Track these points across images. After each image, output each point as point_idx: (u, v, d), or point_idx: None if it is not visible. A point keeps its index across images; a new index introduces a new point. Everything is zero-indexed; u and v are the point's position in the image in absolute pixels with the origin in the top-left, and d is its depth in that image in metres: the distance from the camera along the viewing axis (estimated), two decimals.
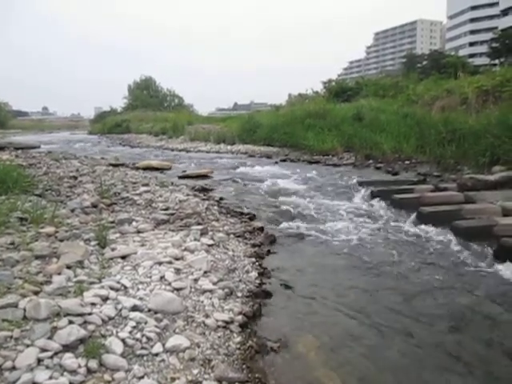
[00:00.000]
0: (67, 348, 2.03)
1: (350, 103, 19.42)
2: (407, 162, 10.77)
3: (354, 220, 5.44)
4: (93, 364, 1.97)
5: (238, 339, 2.48)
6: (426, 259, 4.09)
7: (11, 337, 2.04)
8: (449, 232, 4.73)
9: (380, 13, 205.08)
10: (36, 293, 2.50)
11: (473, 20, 70.02)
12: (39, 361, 1.92)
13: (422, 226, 5.07)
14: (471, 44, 67.96)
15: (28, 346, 2.00)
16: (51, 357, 1.96)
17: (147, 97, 52.17)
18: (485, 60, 42.35)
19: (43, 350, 1.98)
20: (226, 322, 2.60)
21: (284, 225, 5.19)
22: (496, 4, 58.15)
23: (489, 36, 44.37)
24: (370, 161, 11.46)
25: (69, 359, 1.96)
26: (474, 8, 70.11)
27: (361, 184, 7.47)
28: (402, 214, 5.64)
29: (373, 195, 6.59)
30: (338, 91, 24.94)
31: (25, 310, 2.25)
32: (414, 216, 5.40)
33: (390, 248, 4.39)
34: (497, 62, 33.91)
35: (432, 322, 2.88)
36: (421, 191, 6.46)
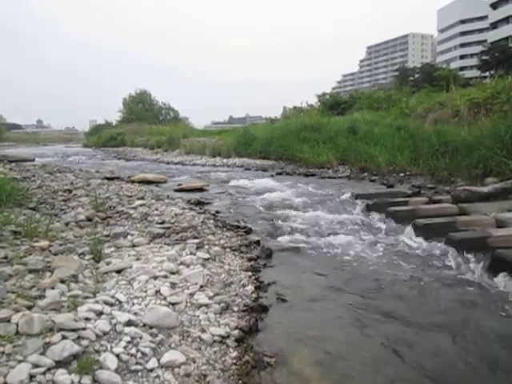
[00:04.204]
0: (60, 364, 1.99)
1: (344, 116, 19.59)
2: (402, 175, 10.85)
3: (349, 233, 5.43)
4: (86, 380, 1.93)
5: (234, 354, 2.46)
6: (422, 272, 4.08)
7: (3, 352, 2.00)
8: (444, 244, 4.74)
9: (371, 27, 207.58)
10: (29, 307, 2.46)
11: (463, 33, 71.45)
12: (31, 377, 1.88)
13: (417, 239, 5.07)
14: (462, 57, 69.24)
15: (20, 361, 1.96)
16: (44, 373, 1.92)
17: (142, 110, 52.40)
18: (475, 72, 43.07)
19: (36, 365, 1.94)
20: (222, 337, 2.57)
21: (280, 238, 5.18)
22: (485, 17, 59.27)
23: (479, 49, 45.21)
24: (365, 173, 11.54)
25: (62, 375, 1.92)
26: (463, 22, 71.58)
27: (356, 197, 7.48)
28: (397, 227, 5.65)
29: (368, 208, 6.60)
30: (333, 104, 25.20)
31: (17, 324, 2.21)
32: (409, 228, 5.41)
33: (385, 261, 4.38)
34: (487, 74, 34.46)
35: (430, 333, 2.87)
36: (415, 203, 6.49)
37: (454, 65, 54.90)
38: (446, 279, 3.89)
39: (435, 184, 8.99)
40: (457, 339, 2.81)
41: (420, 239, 5.03)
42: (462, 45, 70.41)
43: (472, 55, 58.56)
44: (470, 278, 3.91)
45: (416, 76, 34.70)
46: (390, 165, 11.63)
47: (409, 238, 5.16)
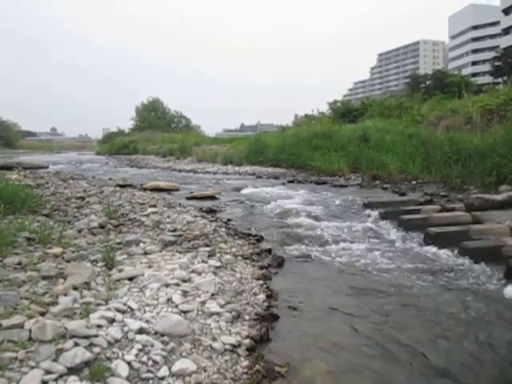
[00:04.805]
0: (72, 371, 2.00)
1: (355, 124, 19.56)
2: (414, 182, 10.78)
3: (361, 241, 5.39)
4: None
5: (246, 363, 2.44)
6: (435, 281, 4.02)
7: (16, 358, 2.02)
8: (457, 253, 4.69)
9: (382, 34, 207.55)
10: (42, 314, 2.49)
11: (474, 39, 70.98)
12: (44, 383, 1.90)
13: (430, 247, 5.02)
14: (474, 63, 68.71)
15: (33, 367, 1.97)
16: (56, 379, 1.93)
17: (155, 118, 52.87)
18: (488, 79, 42.70)
19: (48, 372, 1.95)
20: (234, 346, 2.56)
21: (292, 246, 5.16)
22: (497, 23, 58.83)
23: (491, 55, 44.86)
24: (377, 181, 11.49)
25: (74, 382, 1.93)
26: (475, 27, 71.11)
27: (368, 205, 7.45)
28: (409, 235, 5.60)
29: (380, 216, 6.57)
30: (344, 112, 25.19)
31: (30, 331, 2.23)
32: (421, 237, 5.37)
33: (397, 270, 4.33)
34: (500, 80, 34.14)
35: (443, 343, 2.83)
36: (428, 212, 6.43)
37: (465, 71, 54.51)
38: (459, 289, 3.83)
39: (448, 192, 8.91)
40: (471, 350, 2.76)
41: (433, 248, 4.98)
42: (474, 51, 69.97)
43: (484, 61, 58.14)
44: (484, 288, 3.85)
45: (427, 83, 34.49)
46: (402, 173, 11.57)
47: (421, 247, 5.12)
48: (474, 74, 55.91)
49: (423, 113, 17.33)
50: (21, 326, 2.27)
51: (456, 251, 4.71)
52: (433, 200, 7.70)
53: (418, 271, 4.30)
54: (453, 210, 6.44)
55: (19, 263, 3.34)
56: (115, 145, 42.49)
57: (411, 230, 5.74)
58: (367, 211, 7.09)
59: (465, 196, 7.77)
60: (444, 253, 4.79)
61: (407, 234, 5.68)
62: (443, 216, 6.13)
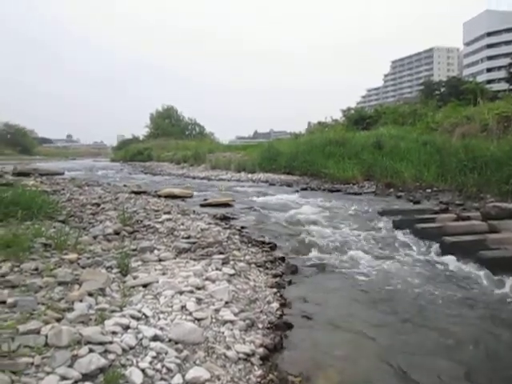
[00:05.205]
0: (87, 377, 2.01)
1: (369, 131, 19.48)
2: (428, 191, 10.67)
3: (376, 250, 5.35)
4: None
5: (259, 372, 2.43)
6: (452, 292, 3.95)
7: (32, 363, 2.04)
8: (474, 263, 4.61)
9: (395, 41, 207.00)
10: (58, 320, 2.51)
11: (490, 46, 70.39)
12: None
13: (446, 257, 4.95)
14: (489, 70, 68.07)
15: (48, 373, 1.99)
16: None
17: (169, 125, 53.30)
18: (503, 85, 42.20)
19: (63, 378, 1.97)
20: (247, 355, 2.55)
21: (305, 255, 5.13)
22: None
23: (506, 61, 44.32)
24: (391, 189, 11.40)
25: None
26: (490, 34, 70.54)
27: (382, 213, 7.39)
28: (424, 244, 5.53)
29: (394, 225, 6.50)
30: (357, 119, 25.12)
31: (46, 336, 2.25)
32: (436, 246, 5.30)
33: (413, 280, 4.27)
34: None
35: (461, 355, 2.78)
36: (443, 220, 6.34)
37: (480, 78, 54.07)
38: (477, 300, 3.77)
39: (463, 200, 8.80)
40: (493, 364, 2.71)
41: (449, 257, 4.91)
42: (489, 57, 69.33)
43: (500, 68, 57.43)
44: (503, 299, 3.78)
45: (442, 90, 34.18)
46: (417, 180, 11.47)
47: (437, 256, 5.05)
48: (489, 81, 55.35)
49: (438, 120, 17.20)
50: (37, 332, 2.29)
51: (473, 261, 4.63)
52: (448, 208, 7.60)
53: (434, 281, 4.24)
54: (469, 218, 6.35)
55: (36, 269, 3.38)
56: (130, 152, 42.92)
57: (426, 238, 5.66)
58: (381, 219, 7.04)
59: (481, 204, 7.66)
60: (461, 263, 4.72)
61: (422, 242, 5.62)
62: (459, 225, 6.05)
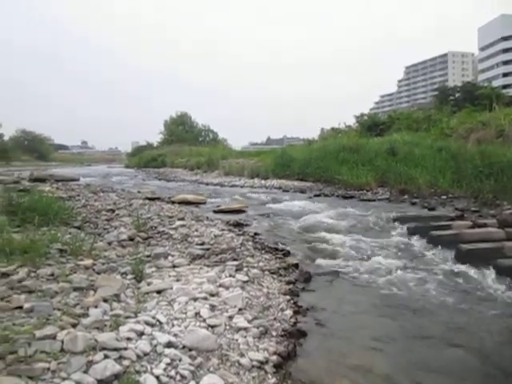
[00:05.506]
0: (102, 383, 2.03)
1: (382, 137, 19.37)
2: (443, 197, 10.55)
3: (390, 257, 5.29)
4: None
5: (273, 381, 2.42)
6: (470, 302, 3.87)
7: (48, 369, 2.06)
8: (491, 271, 4.53)
9: (408, 46, 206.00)
10: (74, 325, 2.53)
11: (505, 50, 69.61)
12: None
13: (462, 265, 4.87)
14: (505, 74, 67.29)
15: (64, 379, 2.00)
16: None
17: (183, 132, 53.58)
18: None
19: (79, 383, 1.98)
20: (261, 362, 2.54)
21: (319, 261, 5.09)
22: None
23: None
24: (405, 196, 11.29)
25: None
26: (505, 38, 69.75)
27: (396, 220, 7.33)
28: (440, 252, 5.46)
29: (409, 231, 6.44)
30: (371, 125, 25.00)
31: (62, 342, 2.26)
32: (452, 253, 5.23)
33: (428, 289, 4.20)
34: None
35: (479, 366, 2.73)
36: (459, 228, 6.26)
37: (496, 83, 53.31)
38: (496, 310, 3.68)
39: (479, 207, 8.67)
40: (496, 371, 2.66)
41: (465, 265, 4.84)
42: (505, 62, 68.58)
43: None
44: None
45: (456, 95, 33.79)
46: (432, 187, 11.35)
47: (453, 264, 4.98)
48: (505, 86, 54.65)
49: (452, 126, 17.04)
50: (53, 337, 2.31)
51: (490, 269, 4.55)
52: (464, 215, 7.50)
53: (450, 290, 4.17)
54: (485, 225, 6.25)
55: (52, 274, 3.42)
56: (144, 158, 43.27)
57: (442, 246, 5.60)
58: (396, 226, 6.98)
59: (497, 211, 7.55)
60: (477, 271, 4.63)
61: (438, 250, 5.55)
62: (475, 232, 5.96)
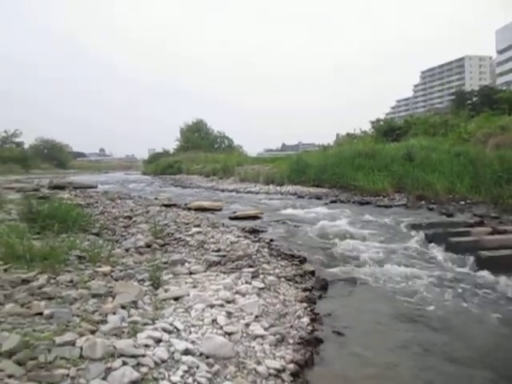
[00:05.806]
0: None
1: (399, 142, 19.20)
2: (462, 203, 10.39)
3: (408, 264, 5.21)
4: None
5: None
6: (492, 311, 3.77)
7: (68, 375, 2.07)
8: None
9: (424, 51, 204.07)
10: (92, 332, 2.55)
11: None
12: None
13: (482, 272, 4.77)
14: None
15: None
16: None
17: (198, 139, 53.82)
18: None
19: None
20: (278, 371, 2.52)
21: (336, 268, 5.06)
22: None
23: None
24: (423, 202, 11.16)
25: None
26: None
27: (414, 226, 7.24)
28: (459, 259, 5.37)
29: (427, 238, 6.35)
30: (387, 130, 24.79)
31: (81, 348, 2.29)
32: (472, 261, 5.14)
33: (448, 297, 4.11)
34: None
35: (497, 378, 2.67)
36: (478, 234, 6.16)
37: None
38: None
39: (499, 213, 8.52)
40: None
41: (485, 273, 4.74)
42: None
43: None
44: None
45: (474, 99, 33.33)
46: (449, 193, 11.20)
47: (473, 272, 4.89)
48: None
49: (470, 130, 16.82)
50: (72, 344, 2.33)
51: None
52: (483, 222, 7.36)
53: (471, 298, 4.08)
54: (505, 232, 6.14)
55: (71, 281, 3.47)
56: (160, 165, 43.61)
57: (461, 253, 5.50)
58: (413, 233, 6.90)
59: None
60: (499, 279, 4.52)
61: (457, 257, 5.45)
62: (495, 239, 5.86)
